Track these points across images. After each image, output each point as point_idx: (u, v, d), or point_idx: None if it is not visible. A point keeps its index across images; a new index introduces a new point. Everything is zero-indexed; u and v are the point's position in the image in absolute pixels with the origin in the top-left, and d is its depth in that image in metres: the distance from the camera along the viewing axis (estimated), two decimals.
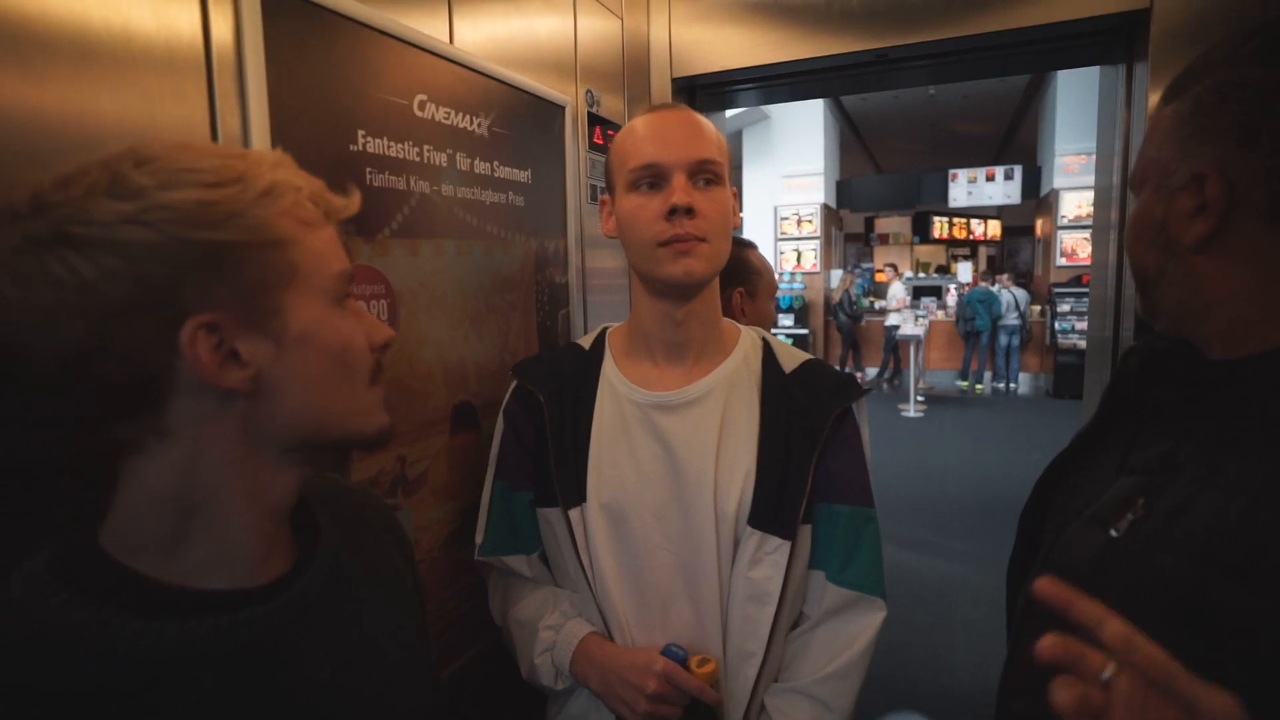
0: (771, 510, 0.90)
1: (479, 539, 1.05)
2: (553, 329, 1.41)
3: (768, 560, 0.90)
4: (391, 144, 0.99)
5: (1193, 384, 0.69)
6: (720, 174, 0.92)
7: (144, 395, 0.47)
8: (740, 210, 1.03)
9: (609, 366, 1.01)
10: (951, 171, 10.36)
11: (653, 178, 0.91)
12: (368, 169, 0.96)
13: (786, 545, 0.89)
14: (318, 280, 0.52)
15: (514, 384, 1.06)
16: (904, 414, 7.85)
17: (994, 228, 12.24)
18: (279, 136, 0.83)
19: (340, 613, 0.59)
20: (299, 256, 0.51)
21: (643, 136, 0.92)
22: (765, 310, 1.64)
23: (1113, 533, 0.66)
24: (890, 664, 2.89)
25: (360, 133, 0.95)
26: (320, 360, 0.52)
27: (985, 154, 13.61)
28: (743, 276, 1.57)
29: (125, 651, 0.46)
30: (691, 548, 0.92)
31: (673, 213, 0.88)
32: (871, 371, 10.12)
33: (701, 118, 0.94)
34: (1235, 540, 0.57)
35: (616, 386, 0.99)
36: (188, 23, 0.76)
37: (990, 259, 13.19)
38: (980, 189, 10.23)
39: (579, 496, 0.95)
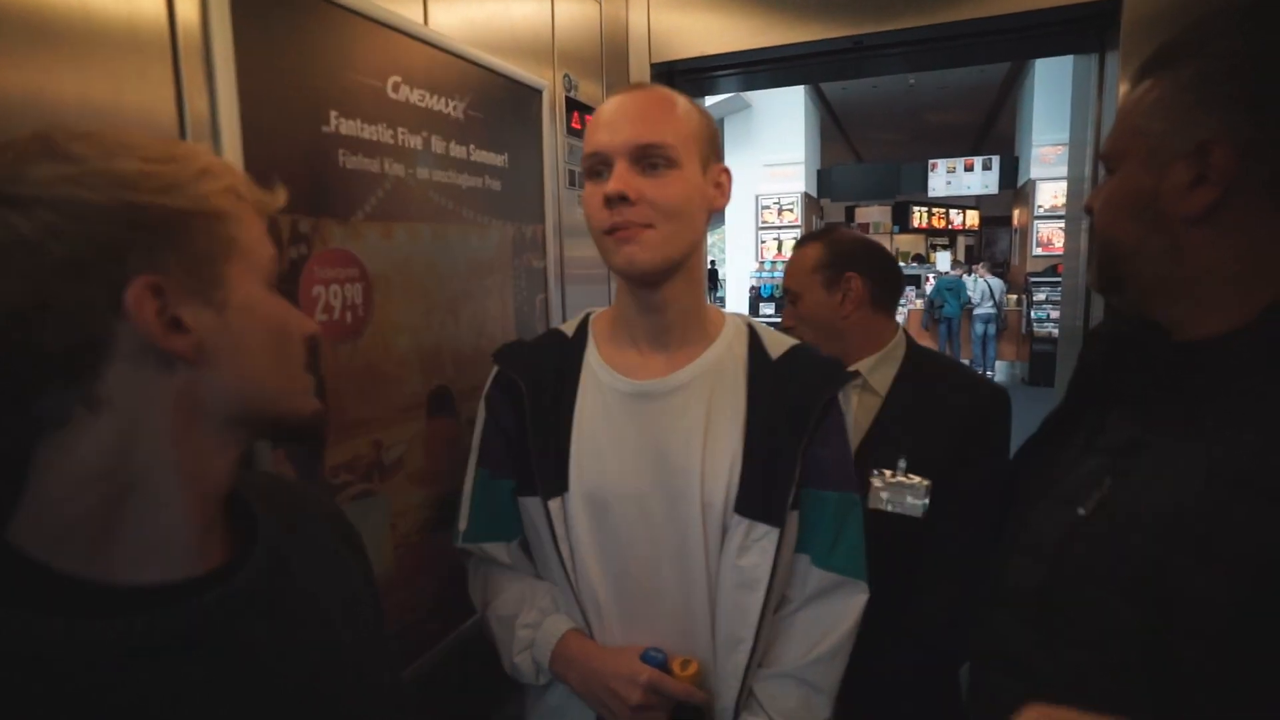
0: (759, 498, 0.90)
1: (461, 525, 1.03)
2: (530, 314, 1.41)
3: (756, 547, 0.89)
4: (365, 125, 0.98)
5: (1157, 367, 0.70)
6: (673, 157, 0.88)
7: (80, 361, 0.45)
8: (727, 193, 0.98)
9: (592, 354, 0.99)
10: (931, 161, 10.43)
11: (600, 165, 0.89)
12: (340, 150, 0.95)
13: (775, 532, 0.89)
14: (255, 259, 0.53)
15: (495, 370, 1.04)
16: None
17: (972, 217, 12.37)
18: (249, 118, 0.82)
19: (286, 602, 0.57)
20: (239, 233, 0.52)
21: (596, 123, 0.91)
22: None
23: (1080, 511, 0.68)
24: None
25: (333, 114, 0.94)
26: (259, 334, 0.53)
27: (964, 144, 13.70)
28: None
29: (48, 656, 0.44)
30: (677, 537, 0.91)
31: (609, 201, 0.87)
32: None
33: (667, 97, 0.91)
34: (1193, 520, 0.58)
35: (599, 375, 0.97)
36: (151, 0, 0.75)
37: (968, 248, 13.33)
38: (959, 179, 10.32)
39: (560, 486, 0.94)
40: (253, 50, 0.82)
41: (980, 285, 9.07)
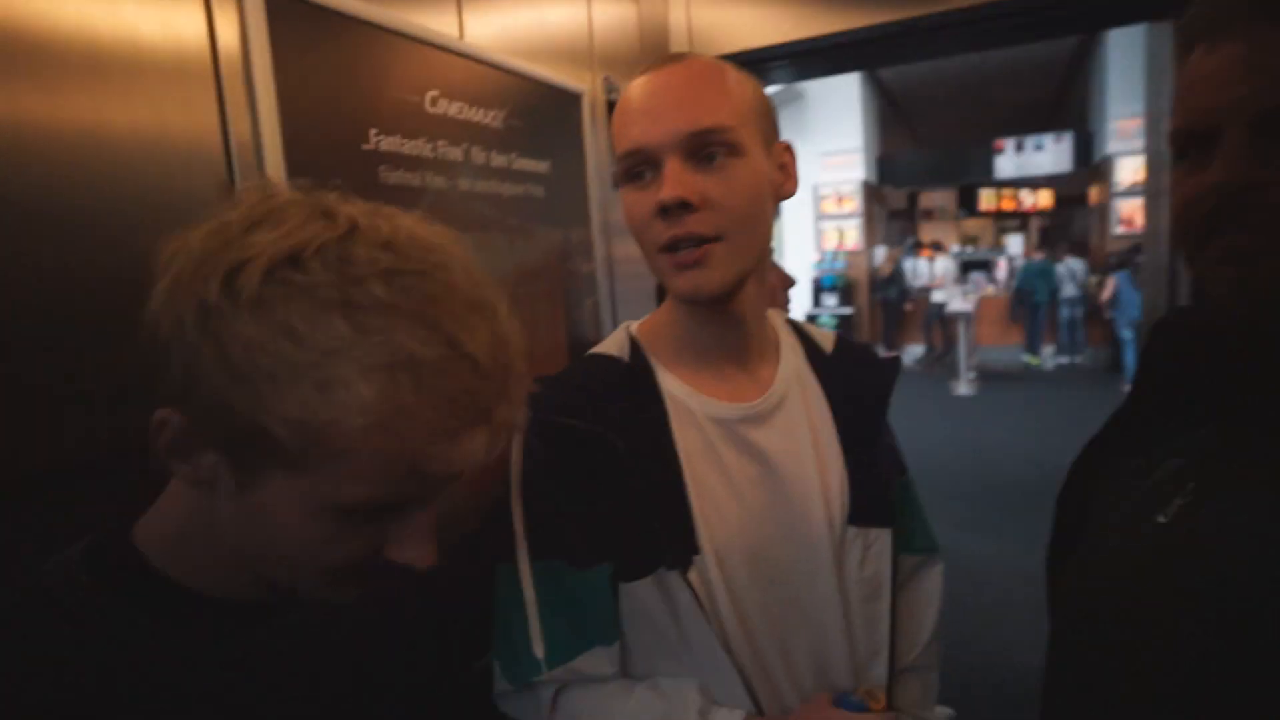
0: (868, 502, 0.84)
1: (539, 651, 0.75)
2: (581, 319, 1.40)
3: (873, 554, 0.84)
4: (404, 141, 0.99)
5: (1242, 362, 0.64)
6: (736, 141, 0.71)
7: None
8: (794, 175, 0.81)
9: (669, 382, 0.81)
10: (996, 141, 10.02)
11: (641, 164, 0.72)
12: (381, 167, 0.96)
13: (888, 533, 0.84)
14: (322, 492, 0.45)
15: (544, 424, 0.78)
16: (956, 392, 7.66)
17: (1045, 198, 11.82)
18: (291, 140, 0.83)
19: (327, 628, 0.60)
20: (326, 465, 0.44)
21: (628, 111, 0.74)
22: None
23: (1160, 519, 0.62)
24: (944, 644, 2.83)
25: (372, 131, 0.95)
26: (262, 536, 0.49)
27: (1033, 121, 13.12)
28: None
29: (143, 649, 0.48)
30: (808, 564, 0.81)
31: (664, 211, 0.70)
32: (916, 349, 9.90)
33: (713, 66, 0.74)
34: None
35: (689, 404, 0.79)
36: (194, 31, 0.77)
37: (1044, 230, 12.75)
38: (1029, 158, 9.88)
39: (689, 550, 0.75)
40: (292, 73, 0.84)
41: (1060, 269, 8.68)
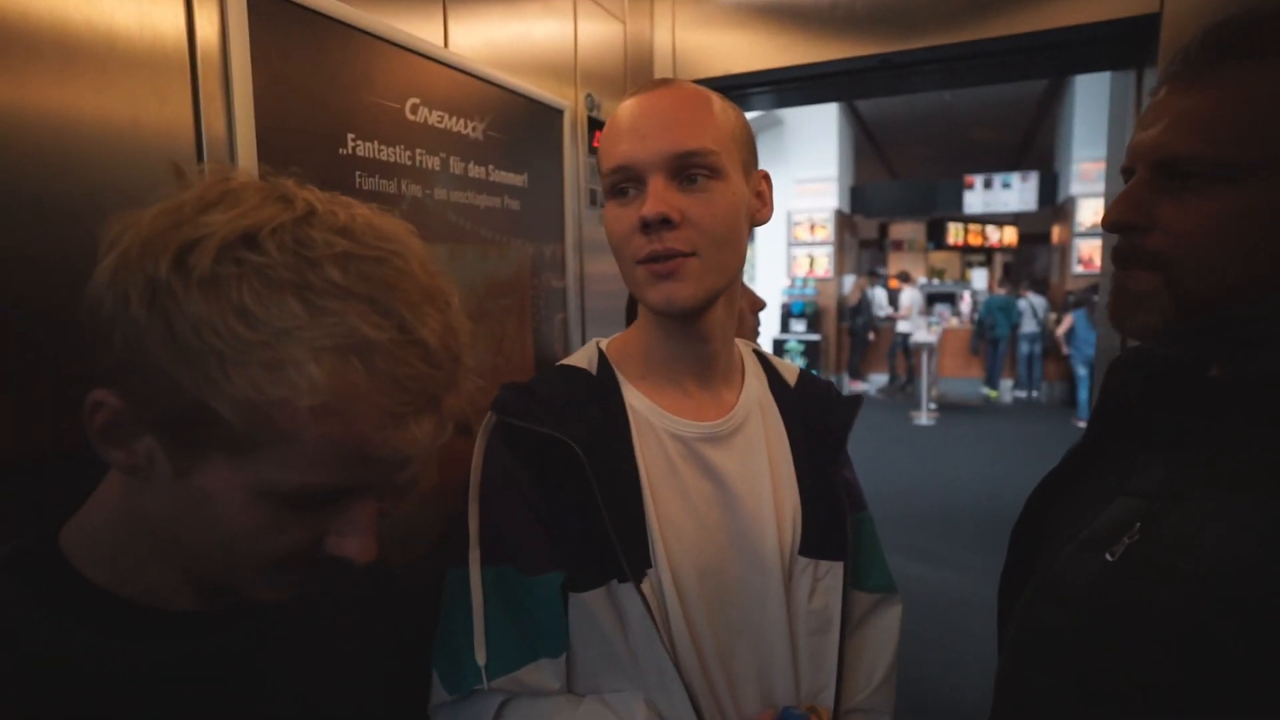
0: (820, 534, 0.85)
1: (480, 658, 0.74)
2: (549, 334, 1.40)
3: (823, 586, 0.84)
4: (382, 147, 0.99)
5: (1192, 404, 0.66)
6: (718, 165, 0.75)
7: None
8: (769, 202, 0.86)
9: (634, 396, 0.83)
10: (967, 177, 10.27)
11: (626, 181, 0.76)
12: (357, 172, 0.95)
13: (839, 566, 0.84)
14: (264, 476, 0.44)
15: (507, 428, 0.79)
16: (915, 422, 7.79)
17: (1010, 234, 12.14)
18: (265, 140, 0.83)
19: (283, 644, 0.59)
20: (269, 446, 0.43)
21: (617, 130, 0.77)
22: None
23: (1108, 557, 0.64)
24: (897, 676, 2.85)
25: (350, 136, 0.94)
26: (200, 522, 0.47)
27: (1002, 160, 13.49)
28: None
29: (67, 662, 0.46)
30: (757, 596, 0.82)
31: (646, 226, 0.73)
32: (880, 378, 10.06)
33: (700, 93, 0.78)
34: (1234, 581, 0.54)
35: (651, 419, 0.82)
36: (172, 24, 0.76)
37: (1007, 266, 13.08)
38: (996, 195, 10.14)
39: (643, 562, 0.76)
40: (271, 72, 0.83)
41: (1022, 304, 8.90)
